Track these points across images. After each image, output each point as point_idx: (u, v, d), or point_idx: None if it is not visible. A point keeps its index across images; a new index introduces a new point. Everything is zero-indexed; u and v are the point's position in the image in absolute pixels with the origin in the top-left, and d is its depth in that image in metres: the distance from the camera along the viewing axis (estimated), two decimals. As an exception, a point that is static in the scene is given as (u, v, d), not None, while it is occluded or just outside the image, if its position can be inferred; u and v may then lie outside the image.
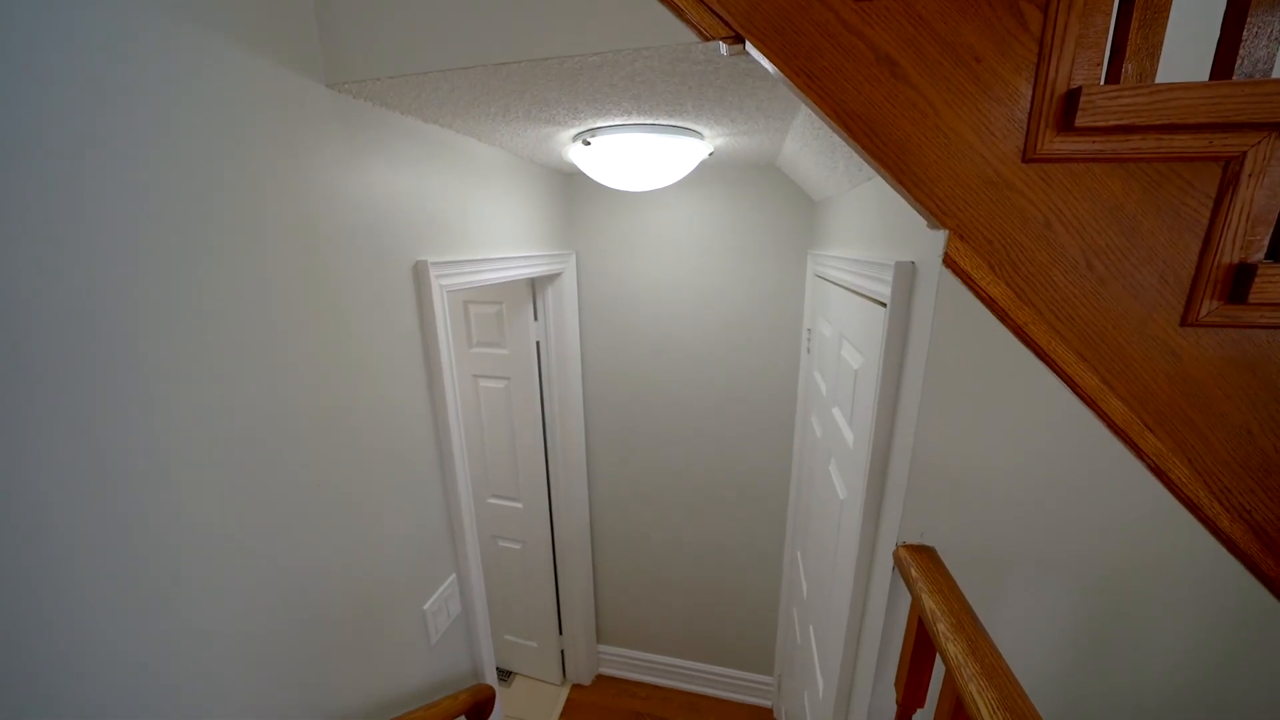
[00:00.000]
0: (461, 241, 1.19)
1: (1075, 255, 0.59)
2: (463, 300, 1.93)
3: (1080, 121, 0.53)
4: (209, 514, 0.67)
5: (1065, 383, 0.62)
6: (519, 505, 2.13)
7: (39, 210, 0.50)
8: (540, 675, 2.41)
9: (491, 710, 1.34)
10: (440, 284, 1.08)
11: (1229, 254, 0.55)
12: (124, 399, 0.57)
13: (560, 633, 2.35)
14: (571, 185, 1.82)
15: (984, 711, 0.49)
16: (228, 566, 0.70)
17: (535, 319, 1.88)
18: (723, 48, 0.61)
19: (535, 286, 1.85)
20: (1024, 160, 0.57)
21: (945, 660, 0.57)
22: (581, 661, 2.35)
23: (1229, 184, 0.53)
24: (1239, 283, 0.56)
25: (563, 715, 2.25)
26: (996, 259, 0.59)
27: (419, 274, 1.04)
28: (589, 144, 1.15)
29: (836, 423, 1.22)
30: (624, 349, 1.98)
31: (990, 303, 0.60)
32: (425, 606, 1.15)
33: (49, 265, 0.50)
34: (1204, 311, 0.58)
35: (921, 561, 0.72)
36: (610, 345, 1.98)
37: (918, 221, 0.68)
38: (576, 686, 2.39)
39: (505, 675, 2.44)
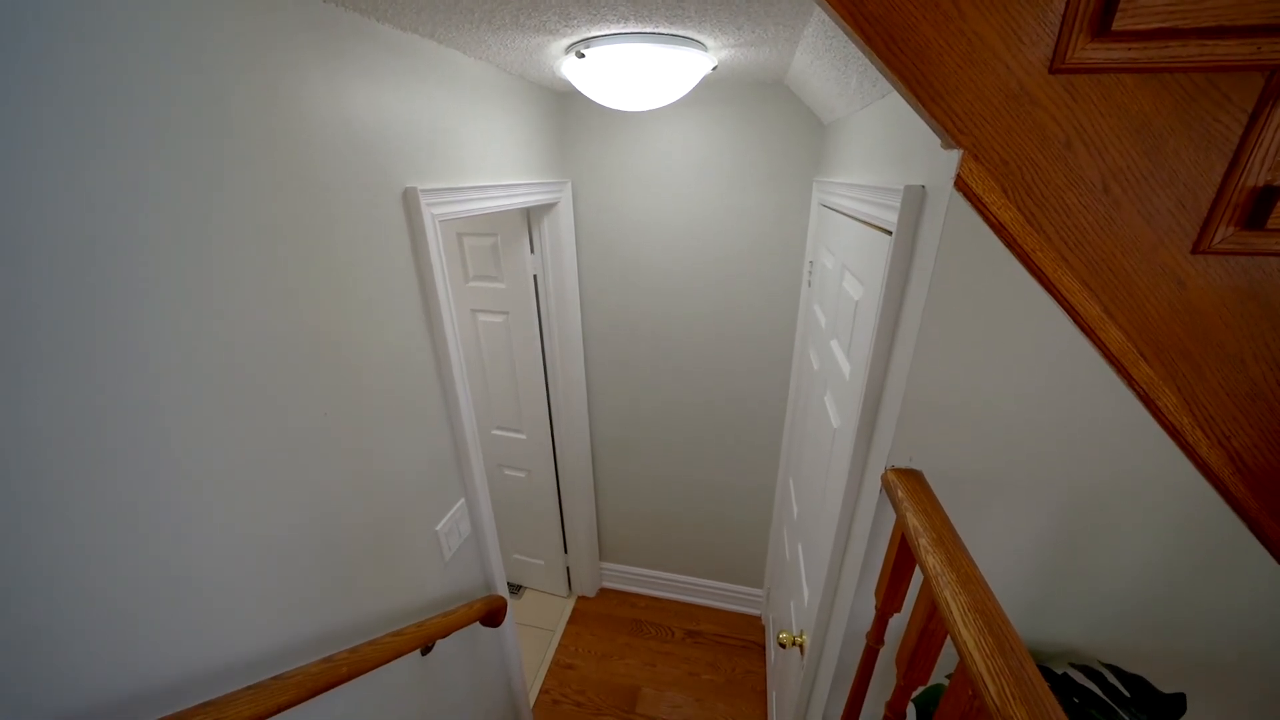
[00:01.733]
0: (452, 168, 1.13)
1: (1093, 177, 0.56)
2: (456, 232, 1.87)
3: (1118, 24, 0.48)
4: (230, 442, 0.69)
5: (1066, 311, 0.62)
6: (522, 436, 2.20)
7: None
8: (548, 589, 2.61)
9: (504, 617, 1.46)
10: (432, 212, 1.04)
11: (1255, 176, 0.53)
12: (124, 333, 0.57)
13: (565, 551, 2.51)
14: (565, 106, 1.71)
15: (956, 613, 0.53)
16: (251, 490, 0.74)
17: (532, 251, 1.84)
18: (730, -64, 0.55)
19: (531, 217, 1.79)
20: (1051, 71, 0.53)
21: (924, 570, 0.62)
22: (586, 576, 2.53)
23: (1269, 96, 0.50)
24: (1259, 207, 0.54)
25: (569, 623, 2.46)
26: (1010, 181, 0.57)
27: (409, 202, 1.00)
28: (583, 56, 1.06)
29: (834, 355, 1.23)
30: (622, 281, 1.95)
31: (999, 228, 0.58)
32: (437, 528, 1.22)
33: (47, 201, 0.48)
34: (1218, 238, 0.57)
35: (908, 483, 0.75)
36: (608, 277, 1.95)
37: (930, 144, 0.65)
38: (582, 598, 2.59)
39: (515, 589, 2.64)
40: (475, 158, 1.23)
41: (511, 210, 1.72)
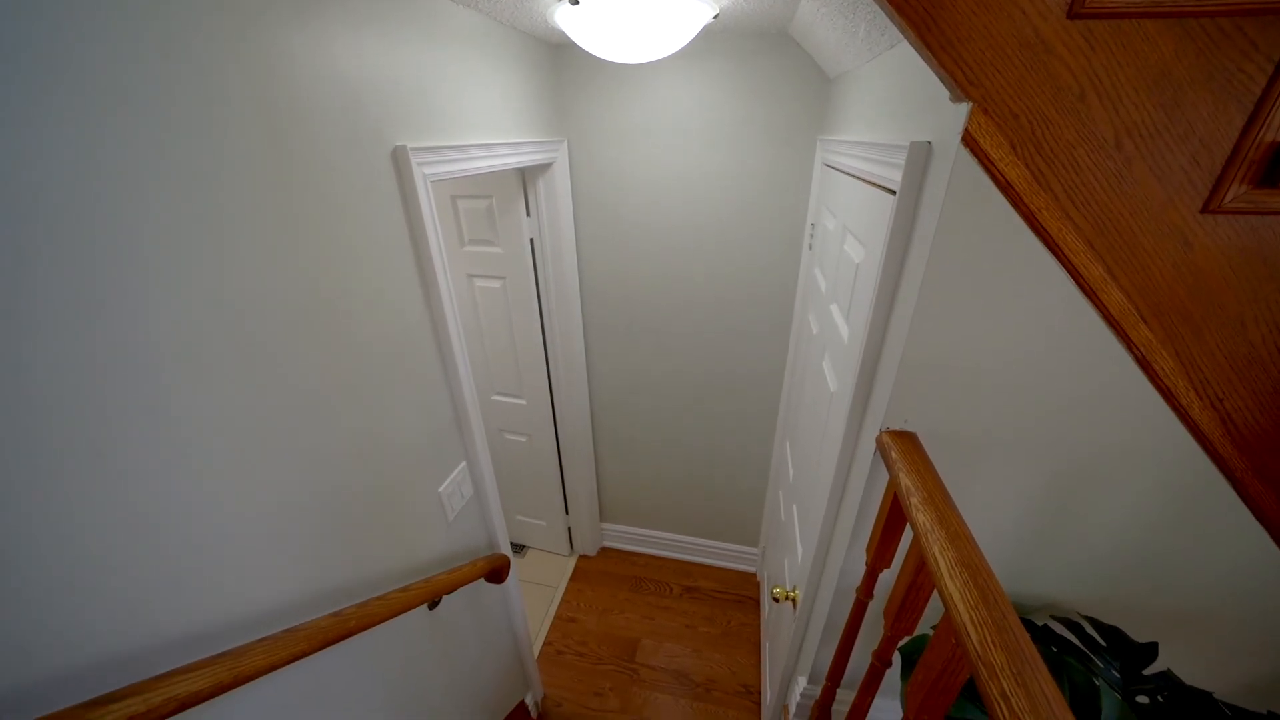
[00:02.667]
0: (443, 125, 1.09)
1: (1105, 132, 0.54)
2: (450, 194, 1.82)
3: (1144, -37, 0.46)
4: (234, 407, 0.70)
5: (1069, 272, 0.61)
6: (522, 401, 2.21)
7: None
8: (550, 548, 2.69)
9: (507, 574, 1.51)
10: (423, 172, 1.01)
11: (1275, 130, 0.51)
12: (121, 292, 0.56)
13: (566, 513, 2.58)
14: (560, 60, 1.63)
15: (943, 567, 0.55)
16: (257, 454, 0.75)
17: (528, 214, 1.80)
18: None
19: (526, 178, 1.74)
20: (1070, 16, 0.50)
21: (914, 528, 0.63)
22: (587, 537, 2.61)
23: (1295, 44, 0.47)
24: (1275, 164, 0.52)
25: (571, 580, 2.55)
26: (1020, 136, 0.55)
27: (399, 161, 0.97)
28: (576, 2, 1.00)
29: (834, 319, 1.22)
30: (621, 244, 1.92)
31: (1005, 186, 0.57)
32: (440, 489, 1.24)
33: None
34: (1229, 197, 0.55)
35: (902, 445, 0.76)
36: (606, 240, 1.92)
37: (938, 98, 0.62)
38: (583, 557, 2.68)
39: (519, 548, 2.72)
40: (466, 115, 1.18)
41: (506, 171, 1.67)
